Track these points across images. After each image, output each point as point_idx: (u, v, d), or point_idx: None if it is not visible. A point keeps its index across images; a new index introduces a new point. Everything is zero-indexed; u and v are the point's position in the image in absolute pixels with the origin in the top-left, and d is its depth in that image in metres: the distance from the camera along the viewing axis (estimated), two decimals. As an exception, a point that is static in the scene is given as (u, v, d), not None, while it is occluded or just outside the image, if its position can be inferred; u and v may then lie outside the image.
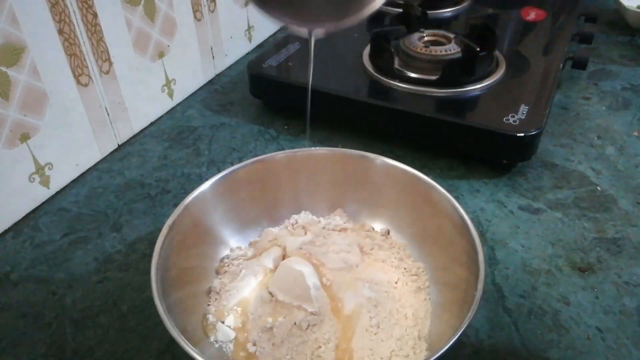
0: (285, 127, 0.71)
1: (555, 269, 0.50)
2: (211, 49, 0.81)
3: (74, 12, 0.57)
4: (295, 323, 0.41)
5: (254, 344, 0.42)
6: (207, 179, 0.49)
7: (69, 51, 0.58)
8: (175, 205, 0.47)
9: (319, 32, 0.41)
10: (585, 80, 0.79)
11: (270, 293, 0.44)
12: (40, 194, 0.59)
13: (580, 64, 0.74)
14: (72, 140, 0.61)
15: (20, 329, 0.46)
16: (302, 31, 0.41)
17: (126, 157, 0.67)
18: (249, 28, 0.89)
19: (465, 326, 0.36)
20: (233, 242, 0.51)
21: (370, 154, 0.52)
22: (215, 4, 0.78)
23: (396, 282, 0.46)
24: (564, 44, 0.75)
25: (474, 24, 0.73)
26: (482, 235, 0.54)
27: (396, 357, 0.40)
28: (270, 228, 0.52)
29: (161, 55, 0.71)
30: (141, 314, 0.47)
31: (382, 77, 0.68)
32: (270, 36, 0.95)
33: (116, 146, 0.68)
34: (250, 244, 0.51)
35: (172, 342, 0.36)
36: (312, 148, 0.57)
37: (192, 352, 0.35)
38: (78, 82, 0.60)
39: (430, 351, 0.40)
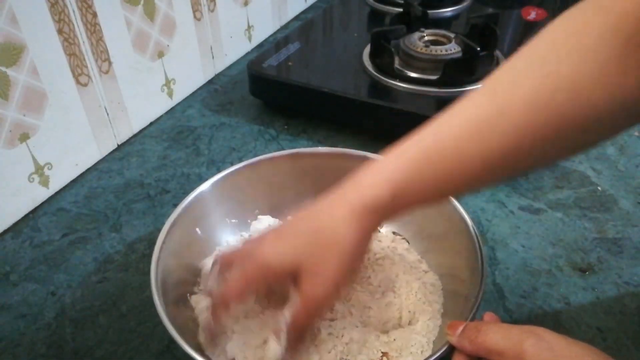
0: (285, 126, 0.71)
1: (556, 269, 0.50)
2: (211, 48, 0.81)
3: (74, 11, 0.57)
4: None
5: None
6: (206, 179, 0.49)
7: (69, 51, 0.58)
8: (175, 205, 0.46)
9: None
10: (585, 80, 0.79)
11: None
12: (39, 194, 0.59)
13: (580, 64, 0.73)
14: (72, 140, 0.61)
15: (20, 329, 0.46)
16: None
17: (126, 157, 0.67)
18: (249, 27, 0.89)
19: (466, 327, 0.35)
20: (233, 243, 0.51)
21: (371, 154, 0.52)
22: (215, 4, 0.78)
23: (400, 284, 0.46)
24: (564, 43, 0.75)
25: (474, 24, 0.73)
26: (482, 235, 0.53)
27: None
28: (263, 216, 0.52)
29: (161, 55, 0.71)
30: (141, 314, 0.47)
31: (382, 77, 0.68)
32: (270, 36, 0.95)
33: (116, 146, 0.68)
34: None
35: (172, 342, 0.36)
36: (313, 148, 0.57)
37: (192, 352, 0.35)
38: (77, 81, 0.60)
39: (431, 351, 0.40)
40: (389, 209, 0.34)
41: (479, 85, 0.64)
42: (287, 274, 0.34)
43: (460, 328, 0.34)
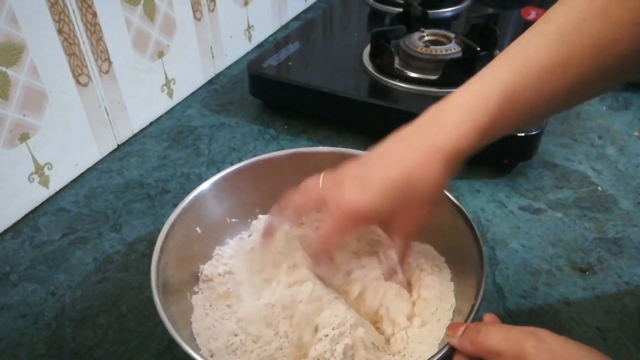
0: (285, 126, 0.71)
1: (556, 269, 0.50)
2: (211, 48, 0.81)
3: (74, 11, 0.57)
4: None
5: None
6: (206, 179, 0.49)
7: (69, 51, 0.58)
8: (175, 205, 0.46)
9: None
10: (585, 80, 0.79)
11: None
12: (39, 194, 0.59)
13: (580, 64, 0.73)
14: (72, 140, 0.61)
15: (20, 329, 0.46)
16: None
17: (126, 157, 0.67)
18: (249, 27, 0.89)
19: (466, 327, 0.35)
20: (233, 243, 0.51)
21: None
22: (215, 4, 0.78)
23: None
24: (564, 43, 0.75)
25: (474, 24, 0.73)
26: (482, 235, 0.54)
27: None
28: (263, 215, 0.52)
29: (161, 54, 0.71)
30: (141, 314, 0.47)
31: (382, 77, 0.68)
32: (270, 36, 0.95)
33: (115, 146, 0.68)
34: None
35: (172, 342, 0.36)
36: (313, 147, 0.57)
37: (192, 352, 0.35)
38: (77, 81, 0.60)
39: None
40: (473, 151, 0.37)
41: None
42: (377, 221, 0.38)
43: (461, 329, 0.34)
